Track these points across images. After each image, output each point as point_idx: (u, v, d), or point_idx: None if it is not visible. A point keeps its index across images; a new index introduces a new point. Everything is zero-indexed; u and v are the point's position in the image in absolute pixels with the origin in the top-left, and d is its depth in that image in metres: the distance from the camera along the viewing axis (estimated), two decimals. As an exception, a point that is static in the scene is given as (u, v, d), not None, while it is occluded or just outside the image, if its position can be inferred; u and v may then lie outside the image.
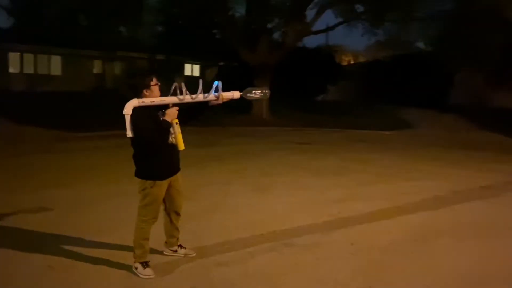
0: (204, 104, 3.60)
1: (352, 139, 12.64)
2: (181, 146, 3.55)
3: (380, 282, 3.52)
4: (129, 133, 3.33)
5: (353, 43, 64.21)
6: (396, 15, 16.54)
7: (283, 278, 3.54)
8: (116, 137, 11.25)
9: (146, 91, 3.46)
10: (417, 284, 3.50)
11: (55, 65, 21.48)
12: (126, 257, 3.70)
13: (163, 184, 3.55)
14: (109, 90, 20.62)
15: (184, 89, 3.45)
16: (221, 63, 23.43)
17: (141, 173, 3.54)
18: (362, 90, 24.83)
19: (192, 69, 24.46)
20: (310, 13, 17.02)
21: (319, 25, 17.15)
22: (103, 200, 5.58)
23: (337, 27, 17.56)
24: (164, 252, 3.90)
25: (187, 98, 3.47)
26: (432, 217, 5.24)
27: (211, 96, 3.55)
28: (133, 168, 3.58)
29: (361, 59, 33.78)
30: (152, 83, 3.48)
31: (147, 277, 3.46)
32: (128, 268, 3.58)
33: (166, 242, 3.91)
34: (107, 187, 6.27)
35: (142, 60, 22.22)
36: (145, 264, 3.52)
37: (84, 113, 14.27)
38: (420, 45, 21.43)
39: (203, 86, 3.50)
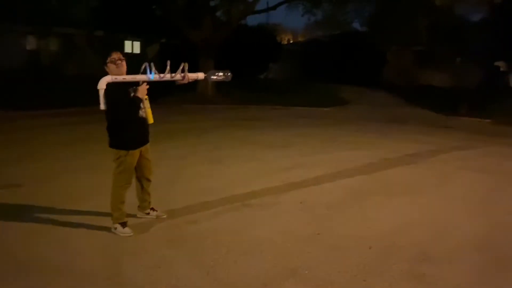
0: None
1: (294, 115, 13.41)
2: (151, 119, 3.98)
3: (326, 230, 4.22)
4: (102, 106, 3.68)
5: (292, 23, 65.34)
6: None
7: (246, 231, 4.13)
8: (64, 115, 11.22)
9: (106, 68, 3.83)
10: (356, 231, 4.23)
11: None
12: (104, 221, 4.10)
13: (135, 153, 3.98)
14: (44, 67, 19.81)
15: (153, 68, 3.84)
16: (163, 40, 23.24)
17: (115, 144, 3.94)
18: (301, 69, 25.79)
19: (132, 46, 23.99)
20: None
21: (260, 4, 17.55)
22: (69, 174, 5.85)
23: (278, 6, 18.13)
24: (138, 215, 4.34)
25: (156, 77, 3.86)
26: (367, 180, 6.06)
27: (178, 76, 3.95)
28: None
29: (300, 38, 34.73)
30: (107, 60, 3.83)
31: (127, 234, 3.90)
32: (107, 229, 3.99)
33: (139, 206, 4.34)
34: (69, 162, 6.49)
35: (79, 36, 21.49)
36: (124, 224, 3.95)
37: (22, 91, 13.78)
38: (356, 25, 22.65)
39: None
